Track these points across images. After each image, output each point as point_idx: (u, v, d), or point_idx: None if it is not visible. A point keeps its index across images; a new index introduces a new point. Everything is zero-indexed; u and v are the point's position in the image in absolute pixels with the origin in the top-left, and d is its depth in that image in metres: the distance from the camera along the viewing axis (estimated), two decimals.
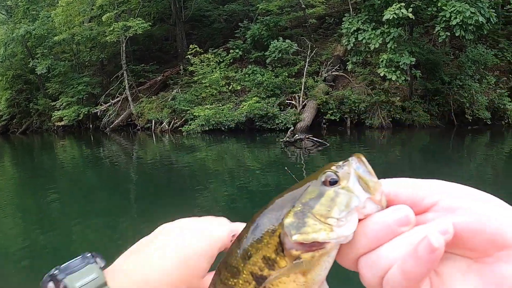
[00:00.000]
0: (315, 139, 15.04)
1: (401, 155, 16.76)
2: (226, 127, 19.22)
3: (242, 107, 18.93)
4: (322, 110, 19.85)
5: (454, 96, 20.23)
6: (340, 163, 0.44)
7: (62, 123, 26.90)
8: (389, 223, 0.40)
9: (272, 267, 0.41)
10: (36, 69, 27.47)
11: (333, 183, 0.42)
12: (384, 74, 18.13)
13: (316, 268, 0.42)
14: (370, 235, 0.41)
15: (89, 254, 0.59)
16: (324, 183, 0.43)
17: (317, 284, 0.43)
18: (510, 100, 19.47)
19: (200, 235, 0.59)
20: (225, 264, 0.45)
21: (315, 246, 0.41)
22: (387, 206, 0.42)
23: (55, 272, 0.56)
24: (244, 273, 0.42)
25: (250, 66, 21.22)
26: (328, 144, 15.42)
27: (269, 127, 19.14)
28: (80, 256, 0.58)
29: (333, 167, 0.44)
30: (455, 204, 0.40)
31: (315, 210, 0.41)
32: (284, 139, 15.44)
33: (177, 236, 0.60)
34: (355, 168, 0.43)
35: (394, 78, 17.97)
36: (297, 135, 15.52)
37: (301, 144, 15.04)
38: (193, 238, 0.59)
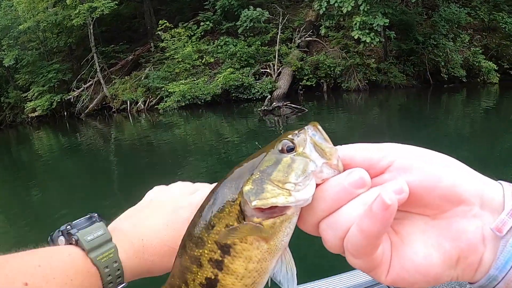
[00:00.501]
0: (292, 105, 15.00)
1: (379, 116, 16.88)
2: (203, 101, 18.98)
3: (217, 80, 18.68)
4: (297, 77, 19.74)
5: (429, 55, 20.37)
6: (296, 131, 0.45)
7: (36, 113, 26.22)
8: (345, 186, 0.41)
9: (234, 237, 0.43)
10: (3, 62, 26.56)
11: (290, 150, 0.44)
12: (358, 36, 18.09)
13: (278, 235, 0.43)
14: (328, 199, 0.42)
15: (96, 214, 0.64)
16: (281, 151, 0.44)
17: (280, 250, 0.44)
18: (484, 57, 19.62)
19: (186, 201, 0.68)
20: (189, 236, 0.45)
21: (275, 212, 0.42)
22: (344, 170, 0.43)
23: (67, 228, 0.61)
24: (209, 242, 0.43)
25: (222, 38, 20.86)
26: (307, 110, 15.40)
27: (246, 97, 18.98)
28: (87, 216, 0.63)
29: (290, 136, 0.45)
30: (409, 164, 0.41)
31: (273, 177, 0.43)
32: (262, 108, 15.35)
33: (166, 200, 0.71)
34: (311, 136, 0.44)
35: (368, 40, 17.94)
36: (274, 103, 15.45)
37: (279, 112, 14.97)
38: (180, 203, 0.68)
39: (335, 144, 0.46)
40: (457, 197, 0.40)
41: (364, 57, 20.58)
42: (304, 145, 0.44)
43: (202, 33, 21.50)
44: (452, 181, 0.40)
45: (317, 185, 0.42)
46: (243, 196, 0.42)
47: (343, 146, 0.45)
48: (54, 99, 24.90)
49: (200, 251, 0.44)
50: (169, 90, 19.42)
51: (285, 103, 15.26)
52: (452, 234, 0.40)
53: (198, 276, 0.44)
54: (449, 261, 0.40)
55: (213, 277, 0.44)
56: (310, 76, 19.60)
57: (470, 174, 0.41)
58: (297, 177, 0.42)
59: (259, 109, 15.70)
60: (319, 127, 0.45)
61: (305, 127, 0.45)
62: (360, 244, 0.40)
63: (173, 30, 20.98)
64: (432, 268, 0.40)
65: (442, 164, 0.41)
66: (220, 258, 0.43)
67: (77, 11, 21.95)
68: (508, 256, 0.38)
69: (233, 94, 19.00)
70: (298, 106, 15.07)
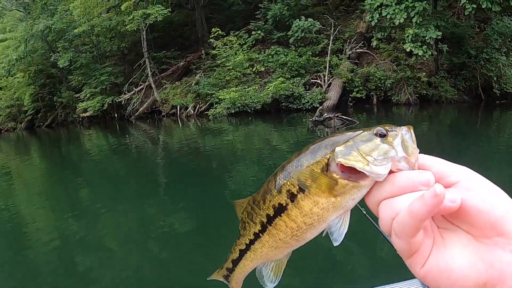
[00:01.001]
0: (344, 117, 14.93)
1: (429, 131, 16.51)
2: (252, 109, 19.14)
3: (268, 88, 18.81)
4: (347, 88, 19.60)
5: (481, 70, 19.80)
6: (394, 126, 0.54)
7: (87, 114, 27.19)
8: (413, 180, 0.49)
9: (314, 181, 0.52)
10: (58, 63, 27.73)
11: (382, 136, 0.52)
12: (410, 49, 17.78)
13: (346, 196, 0.52)
14: (396, 184, 0.49)
15: None
16: (375, 134, 0.53)
17: (342, 209, 0.52)
18: None
19: None
20: (282, 168, 0.55)
21: (352, 178, 0.51)
22: None
23: None
24: (293, 177, 0.53)
25: (272, 47, 21.01)
26: (358, 122, 15.27)
27: (295, 107, 19.01)
28: None
29: (386, 126, 0.54)
30: (472, 186, 0.47)
31: (361, 148, 0.51)
32: (313, 118, 15.35)
33: None
34: (402, 133, 0.52)
35: (420, 53, 17.62)
36: (325, 114, 15.41)
37: (330, 123, 14.92)
38: None
39: None
40: (501, 229, 0.44)
41: (415, 71, 20.22)
42: (395, 137, 0.52)
43: (253, 42, 21.74)
44: (502, 213, 0.44)
45: (392, 171, 0.50)
46: (334, 153, 0.51)
47: (425, 155, 0.52)
48: (106, 101, 25.75)
49: (285, 181, 0.53)
50: (219, 97, 19.71)
51: (336, 115, 15.21)
52: (489, 259, 0.44)
53: (275, 199, 0.54)
54: (478, 281, 0.44)
55: (284, 204, 0.53)
56: (360, 88, 19.43)
57: None
58: (378, 155, 0.50)
59: (310, 119, 15.69)
60: (412, 130, 0.53)
61: (401, 127, 0.53)
62: (406, 223, 0.46)
63: (225, 38, 21.31)
64: (461, 280, 0.45)
65: (498, 196, 0.46)
66: (296, 193, 0.52)
67: (131, 17, 22.63)
68: None
69: (283, 104, 19.08)
70: (349, 118, 14.99)
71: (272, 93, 18.64)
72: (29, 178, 14.93)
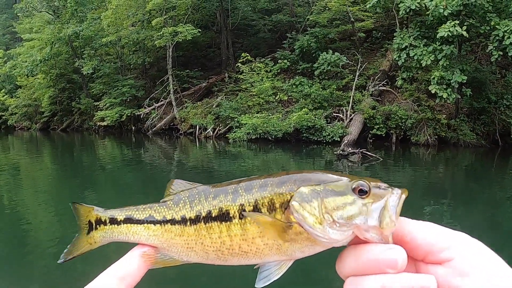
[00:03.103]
0: (368, 153, 14.99)
1: (444, 173, 16.51)
2: (273, 136, 19.23)
3: (292, 118, 18.93)
4: (368, 125, 19.67)
5: (500, 116, 19.85)
6: (384, 185, 0.46)
7: (104, 123, 27.37)
8: (378, 258, 0.42)
9: (270, 211, 0.46)
10: (82, 69, 28.13)
11: (362, 193, 0.44)
12: (435, 91, 17.91)
13: (296, 245, 0.44)
14: (359, 261, 0.42)
15: None
16: (354, 188, 0.45)
17: (286, 256, 0.45)
18: None
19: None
20: (249, 179, 0.50)
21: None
22: (398, 242, 0.44)
23: None
24: (252, 196, 0.47)
25: (297, 77, 21.20)
26: (381, 159, 15.32)
27: (316, 139, 19.07)
28: None
29: (373, 183, 0.46)
30: (467, 271, 0.41)
31: (326, 200, 0.44)
32: (338, 152, 15.42)
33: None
34: (389, 200, 0.44)
35: (445, 95, 17.72)
36: (349, 149, 15.48)
37: (355, 158, 14.98)
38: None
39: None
40: None
41: (435, 112, 20.32)
42: (377, 199, 0.44)
43: (278, 71, 21.98)
44: None
45: (361, 241, 0.43)
46: (296, 192, 0.46)
47: (416, 221, 0.45)
48: (125, 113, 25.95)
49: (244, 194, 0.49)
50: (241, 122, 19.83)
51: (360, 150, 15.28)
52: None
53: (226, 203, 0.50)
54: None
55: (231, 215, 0.48)
56: (381, 125, 19.50)
57: None
58: (339, 217, 0.43)
59: (335, 152, 15.75)
60: (404, 197, 0.46)
61: (395, 190, 0.46)
62: None
63: (253, 63, 21.55)
64: None
65: (500, 282, 0.40)
66: (237, 212, 0.48)
67: (161, 33, 22.97)
68: None
69: (304, 135, 19.15)
70: (373, 155, 15.04)
71: (294, 123, 18.74)
72: (38, 178, 15.00)
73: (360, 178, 0.47)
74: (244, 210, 0.47)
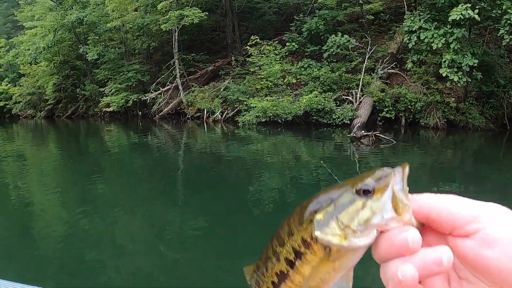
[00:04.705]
0: (381, 136, 14.93)
1: (453, 156, 16.50)
2: (283, 119, 19.14)
3: (302, 100, 18.83)
4: (377, 108, 19.58)
5: (509, 100, 19.79)
6: (385, 172, 0.46)
7: (110, 109, 27.24)
8: (393, 244, 0.43)
9: (307, 247, 0.48)
10: (87, 55, 27.92)
11: (366, 193, 0.45)
12: (446, 74, 17.80)
13: (343, 259, 0.47)
14: (380, 250, 0.45)
15: None
16: (357, 191, 0.46)
17: (344, 269, 0.48)
18: None
19: None
20: (277, 234, 0.52)
21: None
22: (427, 222, 0.45)
23: None
24: (287, 245, 0.50)
25: (306, 60, 21.05)
26: (395, 142, 15.26)
27: (325, 121, 18.98)
28: None
29: (371, 177, 0.46)
30: (495, 239, 0.41)
31: (340, 216, 0.46)
32: (351, 134, 15.37)
33: None
34: (393, 184, 0.45)
35: (456, 79, 17.61)
36: (363, 131, 15.42)
37: (369, 140, 14.93)
38: None
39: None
40: None
41: (444, 95, 20.23)
42: (383, 191, 0.45)
43: (286, 53, 21.82)
44: None
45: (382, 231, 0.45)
46: (312, 224, 0.47)
47: (435, 196, 0.45)
48: (131, 98, 25.79)
49: (281, 249, 0.50)
50: (250, 105, 19.71)
51: (374, 133, 15.22)
52: None
53: (276, 267, 0.51)
54: None
55: (285, 271, 0.50)
56: (390, 108, 19.40)
57: None
58: (357, 225, 0.44)
59: (349, 135, 15.69)
60: (407, 172, 0.46)
61: (395, 171, 0.46)
62: None
63: (263, 46, 21.37)
64: None
65: None
66: (293, 260, 0.49)
67: (167, 16, 22.73)
68: None
69: (314, 117, 19.06)
70: (387, 137, 14.97)
71: (304, 106, 18.64)
72: (44, 166, 14.94)
73: (359, 177, 0.47)
74: (291, 261, 0.50)
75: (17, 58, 33.18)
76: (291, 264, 0.50)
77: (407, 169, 0.46)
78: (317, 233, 0.46)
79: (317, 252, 0.47)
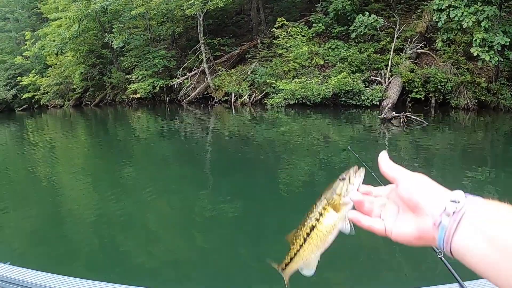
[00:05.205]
0: (413, 117, 14.77)
1: (484, 138, 16.19)
2: (312, 101, 19.08)
3: (330, 82, 18.71)
4: (407, 88, 19.32)
5: None
6: (348, 171, 0.82)
7: (137, 95, 27.58)
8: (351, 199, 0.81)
9: (325, 209, 0.82)
10: (112, 44, 28.22)
11: (343, 179, 0.81)
12: (477, 53, 17.40)
13: (344, 209, 0.80)
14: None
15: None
16: (340, 179, 0.82)
17: (344, 218, 0.80)
18: None
19: None
20: (309, 210, 0.85)
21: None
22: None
23: None
24: (315, 211, 0.84)
25: (333, 41, 20.85)
26: (426, 123, 15.08)
27: (354, 103, 18.83)
28: None
29: (346, 172, 0.82)
30: (401, 183, 0.73)
31: (336, 190, 0.81)
32: (382, 115, 15.23)
33: None
34: (350, 175, 0.82)
35: (487, 58, 17.18)
36: (394, 112, 15.28)
37: (400, 122, 14.80)
38: None
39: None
40: (419, 208, 0.68)
41: (475, 75, 19.79)
42: (347, 178, 0.81)
43: (313, 35, 21.64)
44: (416, 200, 0.68)
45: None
46: (326, 197, 0.83)
47: (387, 165, 0.75)
48: (158, 84, 26.05)
49: (311, 214, 0.84)
50: (278, 87, 19.69)
51: (405, 114, 15.05)
52: (417, 223, 0.69)
53: (309, 223, 0.84)
54: (416, 236, 0.70)
55: (314, 224, 0.82)
56: (420, 89, 19.10)
57: (432, 195, 0.68)
58: (343, 192, 0.80)
59: (379, 116, 15.56)
60: (358, 172, 0.82)
61: (352, 170, 0.82)
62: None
63: (290, 28, 21.25)
64: (408, 236, 0.71)
65: (417, 187, 0.69)
66: (319, 217, 0.82)
67: (192, 1, 22.77)
68: (440, 234, 0.65)
69: (342, 99, 18.92)
70: (418, 119, 14.81)
71: (333, 87, 18.53)
72: (73, 154, 15.24)
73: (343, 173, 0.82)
74: (317, 218, 0.84)
75: (43, 49, 33.63)
76: (318, 219, 0.83)
77: (358, 170, 0.81)
78: (328, 199, 0.82)
79: (329, 209, 0.81)
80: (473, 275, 0.68)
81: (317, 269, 0.87)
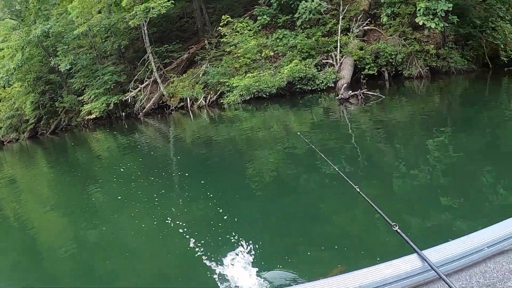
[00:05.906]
0: (370, 92, 14.81)
1: (441, 102, 16.45)
2: (267, 93, 18.91)
3: (283, 72, 18.60)
4: (359, 66, 19.46)
5: (487, 39, 19.77)
6: None
7: (92, 116, 26.79)
8: None
9: None
10: (59, 67, 27.30)
11: None
12: (423, 22, 17.67)
13: None
14: None
15: None
16: None
17: None
18: None
19: None
20: None
21: None
22: None
23: None
24: None
25: (279, 31, 20.77)
26: (384, 97, 15.16)
27: (310, 88, 18.80)
28: None
29: None
30: None
31: None
32: (339, 96, 15.24)
33: None
34: None
35: (433, 25, 17.50)
36: (350, 91, 15.29)
37: (358, 99, 14.80)
38: None
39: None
40: None
41: (423, 44, 20.15)
42: None
43: (259, 28, 21.50)
44: None
45: None
46: None
47: None
48: (111, 101, 25.35)
49: None
50: (232, 85, 19.43)
51: (362, 91, 15.10)
52: None
53: None
54: None
55: None
56: (372, 64, 19.27)
57: None
58: None
59: (336, 97, 15.54)
60: None
61: None
62: None
63: (236, 24, 21.02)
64: None
65: None
66: None
67: (134, 12, 22.21)
68: None
69: (298, 86, 18.85)
70: (376, 94, 14.85)
71: (286, 76, 18.42)
72: (38, 186, 14.62)
73: None
74: None
75: None
76: None
77: None
78: None
79: None
80: (429, 244, 0.40)
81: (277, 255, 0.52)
